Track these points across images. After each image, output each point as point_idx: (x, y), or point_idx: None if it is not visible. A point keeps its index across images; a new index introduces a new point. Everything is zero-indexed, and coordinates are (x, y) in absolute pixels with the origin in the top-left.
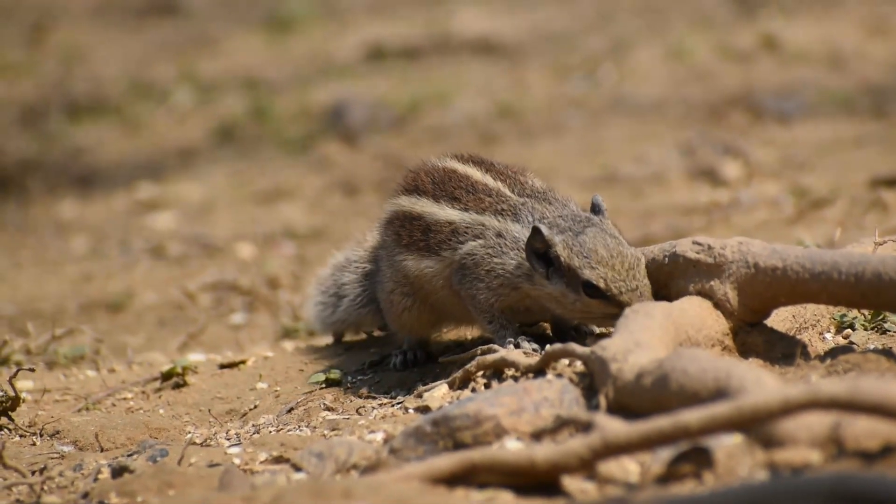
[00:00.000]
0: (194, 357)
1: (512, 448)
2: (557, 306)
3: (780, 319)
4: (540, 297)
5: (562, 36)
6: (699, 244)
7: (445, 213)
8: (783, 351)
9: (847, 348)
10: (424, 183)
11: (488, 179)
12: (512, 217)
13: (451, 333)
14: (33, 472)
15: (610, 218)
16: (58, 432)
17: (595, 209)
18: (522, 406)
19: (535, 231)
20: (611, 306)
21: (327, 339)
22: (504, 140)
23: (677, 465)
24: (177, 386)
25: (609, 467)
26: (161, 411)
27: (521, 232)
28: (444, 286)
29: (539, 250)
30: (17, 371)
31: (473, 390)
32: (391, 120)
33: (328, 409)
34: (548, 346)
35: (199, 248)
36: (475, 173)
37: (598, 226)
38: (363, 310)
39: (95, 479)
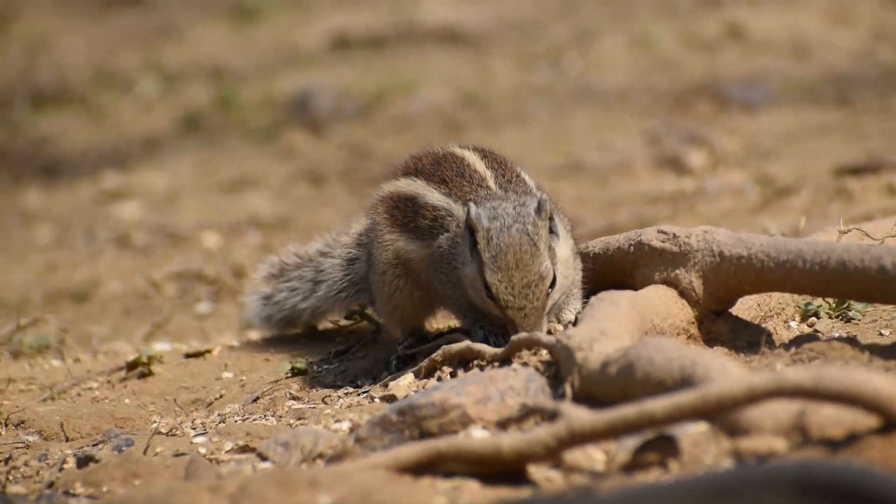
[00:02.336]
0: (160, 346)
1: (478, 437)
2: (473, 292)
3: (746, 308)
4: (463, 279)
5: (527, 24)
6: (664, 233)
7: (433, 196)
8: (748, 339)
9: (812, 336)
10: (424, 165)
11: (479, 167)
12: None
13: (447, 321)
14: None
15: (549, 219)
16: (23, 422)
17: (538, 209)
18: (488, 395)
19: (468, 212)
20: (502, 313)
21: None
22: (469, 129)
23: (643, 454)
24: (142, 375)
25: (575, 456)
26: (126, 401)
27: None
28: (429, 271)
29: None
30: None
31: (439, 379)
32: (356, 109)
33: (294, 398)
34: (513, 336)
35: (165, 237)
36: (471, 158)
37: (524, 233)
38: (342, 294)
39: (61, 469)
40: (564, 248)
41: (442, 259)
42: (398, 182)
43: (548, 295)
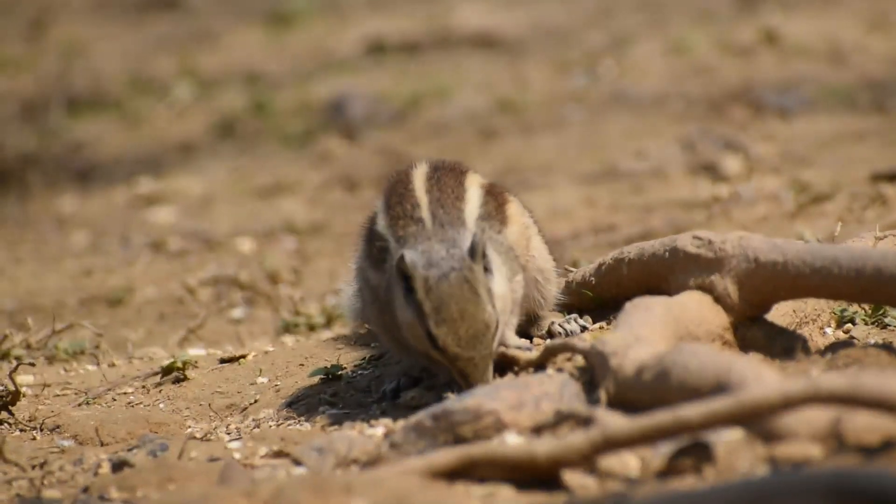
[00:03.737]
0: (194, 352)
1: (512, 443)
2: (412, 338)
3: (781, 314)
4: (399, 321)
5: (562, 31)
6: (699, 239)
7: (381, 222)
8: (784, 345)
9: (848, 343)
10: (390, 183)
11: (420, 191)
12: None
13: None
14: (33, 467)
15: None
16: (58, 427)
17: (471, 252)
18: (522, 401)
19: (401, 258)
20: (450, 364)
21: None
22: (504, 135)
23: (678, 460)
24: (177, 380)
25: (609, 462)
26: (161, 406)
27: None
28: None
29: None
30: (18, 366)
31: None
32: (391, 115)
33: (328, 403)
34: (547, 341)
35: (199, 242)
36: (418, 178)
37: (463, 280)
38: None
39: (96, 474)
40: (500, 282)
41: (380, 292)
42: (376, 200)
43: (494, 339)
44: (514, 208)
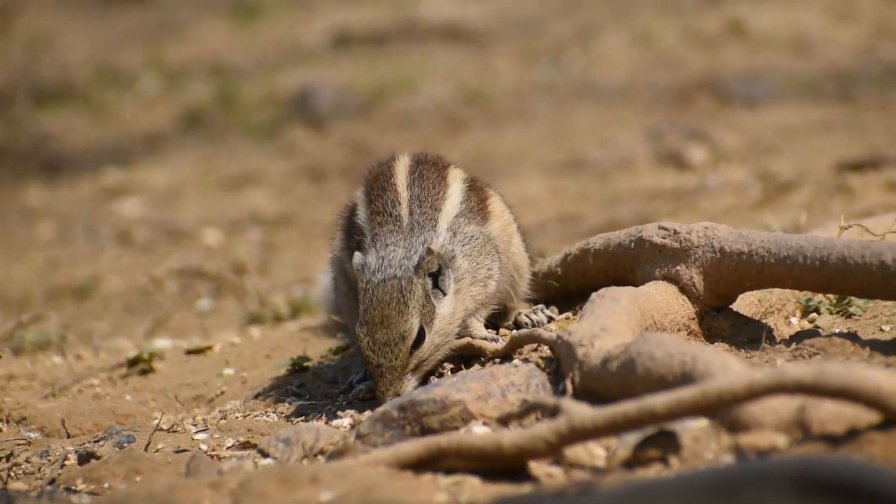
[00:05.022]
0: (161, 343)
1: (479, 433)
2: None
3: (746, 304)
4: None
5: (529, 21)
6: (665, 229)
7: (361, 214)
8: (749, 335)
9: (813, 332)
10: (372, 173)
11: (401, 186)
12: (376, 242)
13: None
14: (0, 459)
15: (436, 272)
16: (24, 419)
17: (417, 266)
18: (489, 391)
19: (354, 258)
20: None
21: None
22: (471, 126)
23: (643, 450)
24: (143, 372)
25: (576, 452)
26: (128, 397)
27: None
28: None
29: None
30: None
31: (440, 375)
32: (358, 106)
33: (295, 394)
34: (514, 332)
35: (166, 234)
36: (400, 172)
37: (397, 289)
38: None
39: (62, 466)
40: (447, 304)
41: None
42: (356, 190)
43: (411, 353)
44: (496, 204)
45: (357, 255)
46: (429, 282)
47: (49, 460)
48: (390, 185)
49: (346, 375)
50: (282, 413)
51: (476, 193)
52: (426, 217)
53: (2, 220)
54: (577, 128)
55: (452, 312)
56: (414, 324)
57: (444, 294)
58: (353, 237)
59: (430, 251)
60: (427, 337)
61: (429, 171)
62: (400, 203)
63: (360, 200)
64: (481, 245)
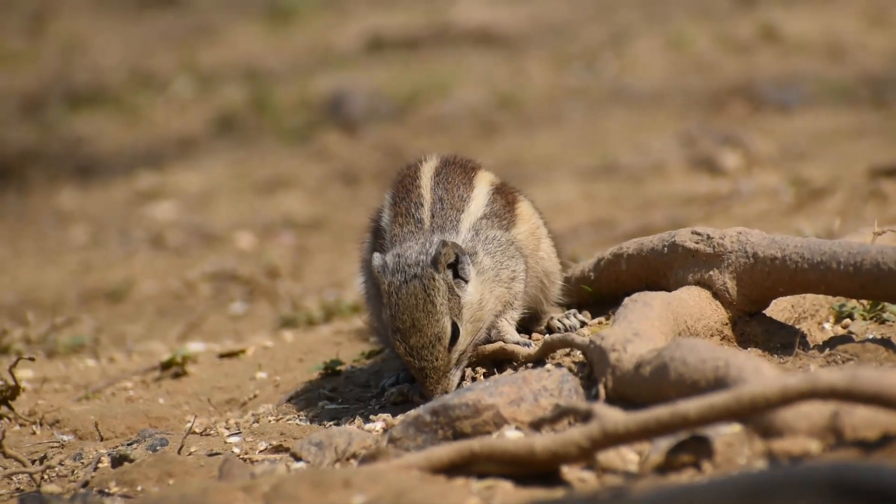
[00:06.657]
0: (194, 346)
1: (511, 437)
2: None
3: (779, 309)
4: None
5: (562, 26)
6: (698, 234)
7: (386, 217)
8: (782, 341)
9: (846, 338)
10: (399, 176)
11: (426, 188)
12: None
13: None
14: (33, 461)
15: (454, 263)
16: (58, 421)
17: (434, 261)
18: (522, 395)
19: (372, 259)
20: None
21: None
22: (503, 130)
23: (676, 455)
24: (176, 375)
25: (608, 457)
26: (161, 401)
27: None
28: None
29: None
30: (17, 360)
31: (473, 380)
32: (391, 110)
33: (328, 398)
34: (546, 336)
35: (199, 237)
36: (426, 174)
37: (421, 289)
38: None
39: (95, 468)
40: (473, 291)
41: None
42: (385, 193)
43: (449, 350)
44: (524, 208)
45: (376, 257)
46: (449, 274)
47: (82, 463)
48: (415, 188)
49: (378, 379)
50: (314, 417)
51: (503, 197)
52: (448, 219)
53: (35, 224)
54: (609, 132)
55: (479, 299)
56: (446, 322)
57: (466, 281)
58: (377, 240)
59: (444, 243)
60: (461, 330)
61: (455, 173)
62: (423, 205)
63: (386, 203)
64: (504, 247)
